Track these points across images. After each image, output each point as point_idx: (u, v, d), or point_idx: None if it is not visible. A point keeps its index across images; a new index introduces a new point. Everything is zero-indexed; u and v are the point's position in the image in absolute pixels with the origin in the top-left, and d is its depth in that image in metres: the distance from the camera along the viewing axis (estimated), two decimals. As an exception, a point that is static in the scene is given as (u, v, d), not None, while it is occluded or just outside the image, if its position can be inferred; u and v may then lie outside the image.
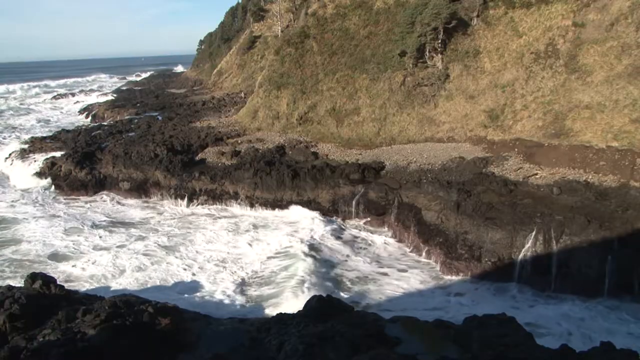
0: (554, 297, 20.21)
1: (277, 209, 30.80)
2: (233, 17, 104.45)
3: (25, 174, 38.10)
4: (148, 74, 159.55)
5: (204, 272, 23.15)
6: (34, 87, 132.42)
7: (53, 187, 36.19)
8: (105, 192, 35.79)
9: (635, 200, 21.94)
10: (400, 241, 26.55)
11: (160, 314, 11.76)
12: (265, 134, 40.62)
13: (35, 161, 39.63)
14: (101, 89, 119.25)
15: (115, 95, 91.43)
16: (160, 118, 53.70)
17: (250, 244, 26.17)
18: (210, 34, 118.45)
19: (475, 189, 25.47)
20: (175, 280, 22.45)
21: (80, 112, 77.80)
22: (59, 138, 46.00)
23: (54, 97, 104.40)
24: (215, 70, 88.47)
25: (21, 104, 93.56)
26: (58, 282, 15.13)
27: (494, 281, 21.45)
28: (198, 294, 21.13)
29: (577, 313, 18.81)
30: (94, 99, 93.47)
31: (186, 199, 32.62)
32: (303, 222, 28.81)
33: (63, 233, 28.09)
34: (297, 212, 29.93)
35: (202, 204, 32.41)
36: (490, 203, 23.78)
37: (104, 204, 33.86)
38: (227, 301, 20.35)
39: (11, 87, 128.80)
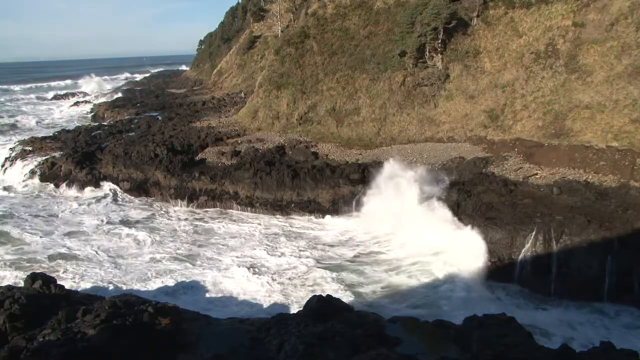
0: (550, 303, 20.08)
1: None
2: (233, 17, 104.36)
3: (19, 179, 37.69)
4: (149, 74, 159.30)
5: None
6: (34, 87, 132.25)
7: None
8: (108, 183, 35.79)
9: (635, 200, 21.96)
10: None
11: (160, 314, 11.76)
12: (265, 134, 40.60)
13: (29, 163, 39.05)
14: (101, 89, 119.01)
15: (115, 95, 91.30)
16: (160, 118, 53.64)
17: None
18: (210, 34, 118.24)
19: (475, 189, 25.48)
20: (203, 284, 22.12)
21: (89, 112, 77.90)
22: (59, 138, 45.95)
23: (54, 97, 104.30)
24: (215, 70, 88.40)
25: (20, 104, 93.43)
26: (58, 283, 15.12)
27: (494, 281, 21.43)
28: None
29: (575, 319, 18.69)
30: (93, 99, 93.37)
31: (186, 199, 32.61)
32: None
33: (64, 235, 28.02)
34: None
35: (202, 206, 32.36)
36: (490, 203, 23.78)
37: (105, 204, 33.84)
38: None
39: (11, 87, 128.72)
